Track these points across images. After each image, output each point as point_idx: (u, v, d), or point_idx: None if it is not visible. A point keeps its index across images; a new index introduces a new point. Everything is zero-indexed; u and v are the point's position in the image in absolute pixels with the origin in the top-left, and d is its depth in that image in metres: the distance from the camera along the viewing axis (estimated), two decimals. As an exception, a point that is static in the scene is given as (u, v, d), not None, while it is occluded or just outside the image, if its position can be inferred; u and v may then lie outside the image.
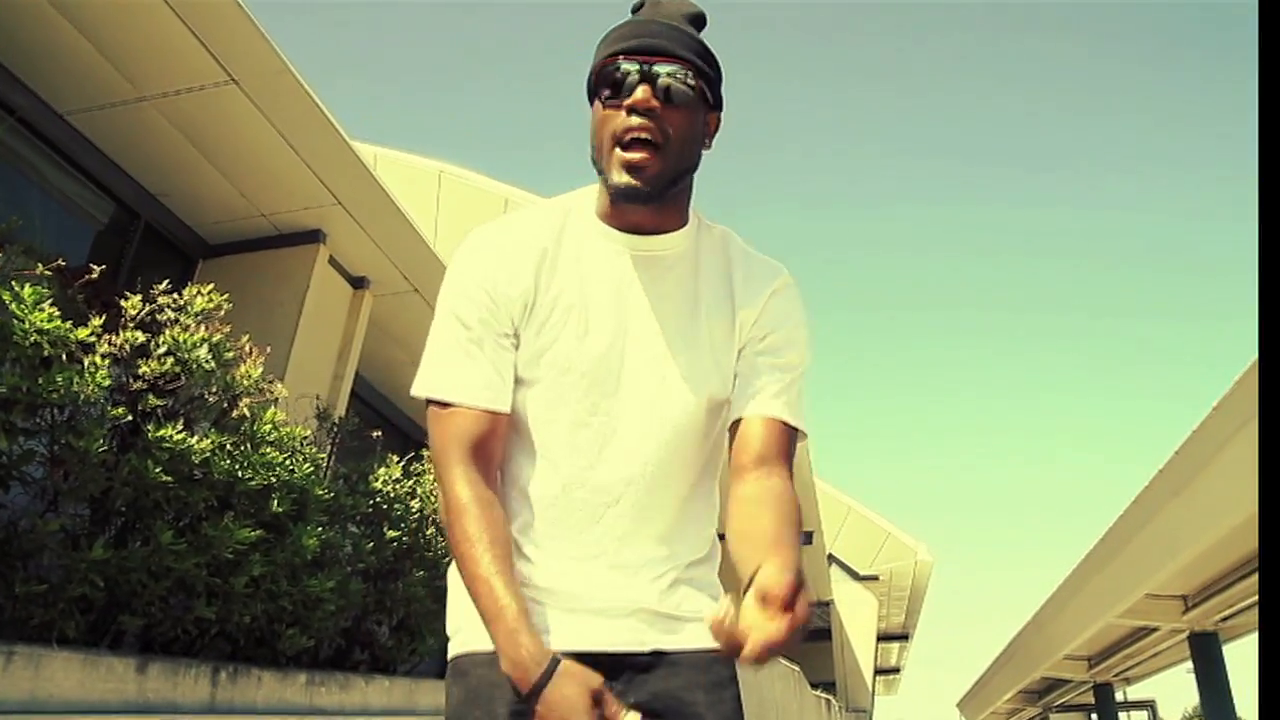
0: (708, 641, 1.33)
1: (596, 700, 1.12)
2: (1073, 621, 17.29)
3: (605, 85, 1.30)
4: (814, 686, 17.84)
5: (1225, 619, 14.12)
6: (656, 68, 1.28)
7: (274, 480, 3.81)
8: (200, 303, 3.69)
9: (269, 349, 4.22)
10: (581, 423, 1.34)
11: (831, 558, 23.42)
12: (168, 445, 3.24)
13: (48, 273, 3.16)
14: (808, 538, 16.81)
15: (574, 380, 1.33)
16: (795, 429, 1.38)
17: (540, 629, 1.28)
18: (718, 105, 1.38)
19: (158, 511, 3.30)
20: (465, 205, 11.64)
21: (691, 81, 1.29)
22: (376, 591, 4.92)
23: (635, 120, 1.26)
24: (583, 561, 1.33)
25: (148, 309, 3.56)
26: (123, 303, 3.51)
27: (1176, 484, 10.41)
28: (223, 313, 3.79)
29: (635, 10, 1.39)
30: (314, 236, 7.06)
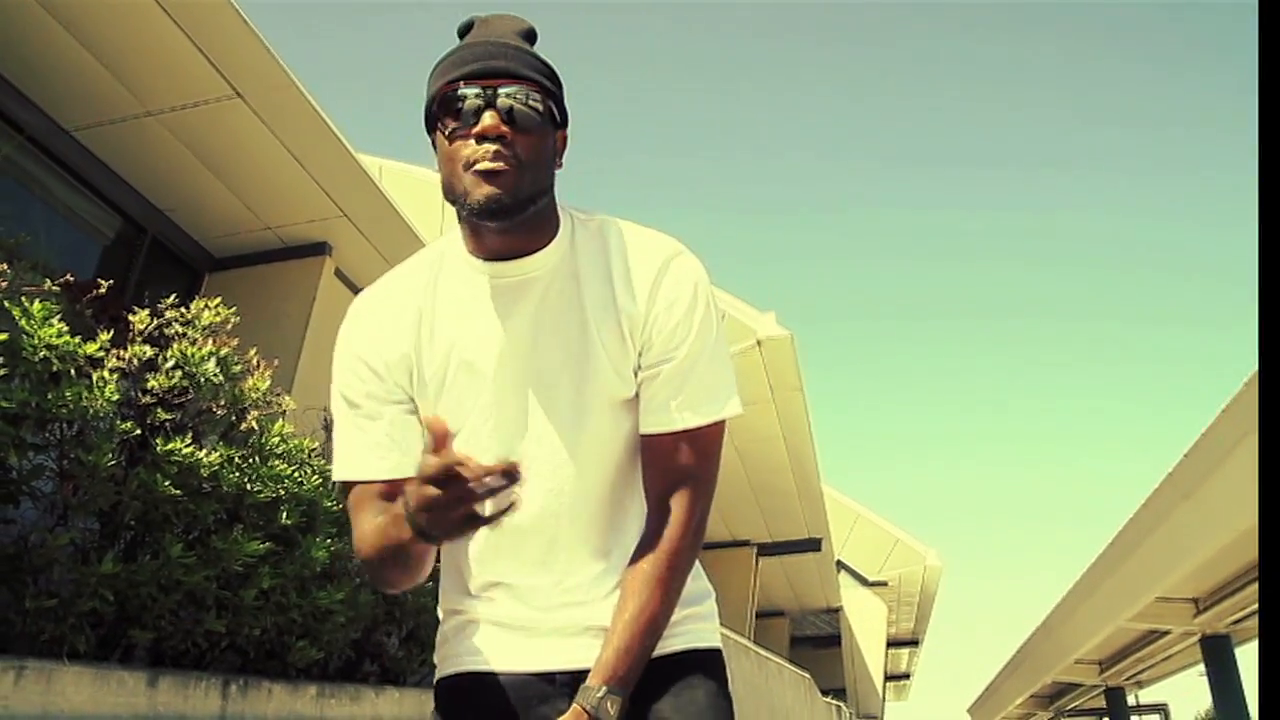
0: (669, 647, 1.34)
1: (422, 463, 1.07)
2: (1083, 625, 17.21)
3: (448, 114, 1.23)
4: (824, 693, 17.79)
5: (1237, 621, 14.05)
6: (501, 90, 1.21)
7: (283, 492, 3.81)
8: (208, 316, 3.70)
9: (276, 362, 4.23)
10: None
11: (840, 564, 23.34)
12: (176, 459, 3.24)
13: (56, 288, 3.18)
14: (816, 544, 16.76)
15: (483, 433, 1.31)
16: (712, 424, 1.33)
17: (504, 653, 1.34)
18: (564, 122, 1.31)
19: (167, 525, 3.31)
20: (470, 216, 11.62)
21: (538, 103, 1.24)
22: (386, 603, 4.91)
23: (485, 147, 1.20)
24: (529, 592, 1.35)
25: (155, 323, 3.56)
26: (130, 317, 3.51)
27: (1187, 487, 10.37)
28: (230, 326, 3.80)
29: (463, 33, 1.31)
30: (320, 249, 7.09)
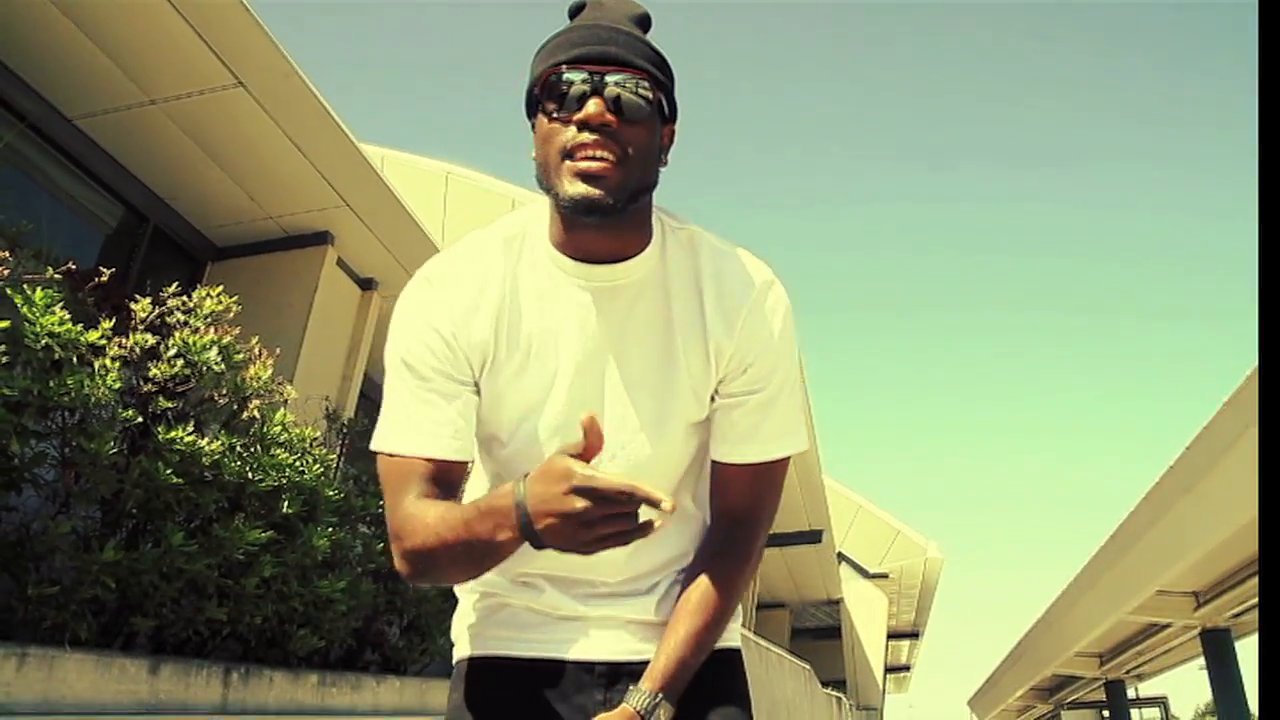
0: None
1: (574, 470, 1.01)
2: (1084, 618, 17.23)
3: (550, 98, 1.17)
4: (824, 685, 17.81)
5: (1237, 615, 14.06)
6: (609, 78, 1.14)
7: (284, 481, 3.82)
8: (209, 305, 3.70)
9: (278, 351, 4.24)
10: None
11: (841, 556, 23.37)
12: (178, 447, 3.25)
13: (58, 276, 3.18)
14: (817, 536, 16.78)
15: (545, 436, 1.26)
16: (781, 459, 1.32)
17: (543, 640, 1.32)
18: (674, 116, 1.24)
19: (169, 513, 3.31)
20: (473, 206, 11.64)
21: (648, 92, 1.17)
22: (387, 592, 4.93)
23: (587, 136, 1.13)
24: (573, 585, 1.34)
25: (157, 312, 3.57)
26: (132, 306, 3.52)
27: (1187, 480, 10.37)
28: (232, 315, 3.81)
29: (573, 14, 1.25)
30: (322, 238, 7.09)
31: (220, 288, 3.83)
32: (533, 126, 1.22)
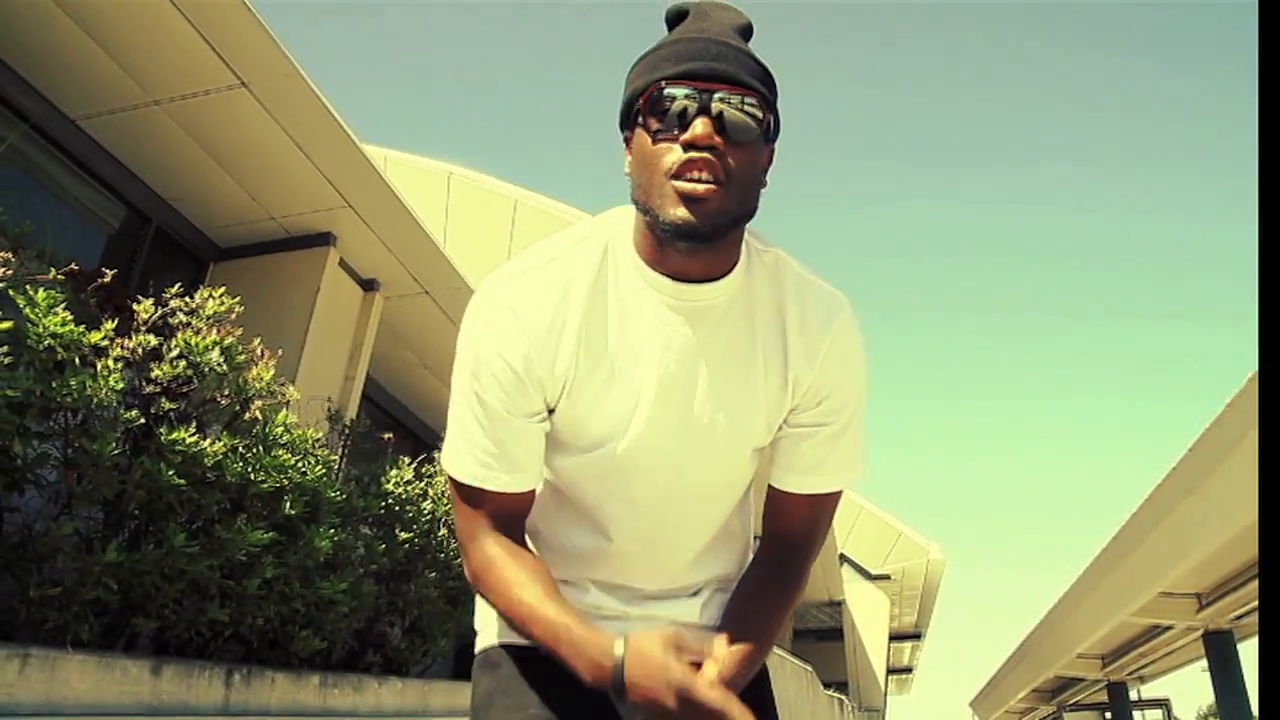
0: None
1: (678, 648, 1.09)
2: (1086, 620, 17.22)
3: (654, 114, 1.11)
4: (826, 686, 17.80)
5: (1240, 617, 14.05)
6: (717, 96, 1.08)
7: (286, 482, 3.82)
8: (212, 306, 3.70)
9: (280, 352, 4.24)
10: (625, 497, 1.28)
11: (843, 557, 23.37)
12: (180, 448, 3.25)
13: (61, 277, 3.18)
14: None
15: (621, 456, 1.24)
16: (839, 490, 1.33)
17: None
18: (777, 134, 1.18)
19: (171, 514, 3.31)
20: (475, 207, 11.65)
21: (757, 112, 1.11)
22: (389, 593, 4.93)
23: (694, 155, 1.07)
24: (624, 589, 1.34)
25: (160, 313, 3.57)
26: (135, 306, 3.52)
27: (1190, 482, 10.36)
28: (234, 316, 3.81)
29: (673, 21, 1.19)
30: (324, 239, 7.09)
31: (223, 288, 3.83)
32: (626, 140, 1.18)
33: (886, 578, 25.34)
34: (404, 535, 4.92)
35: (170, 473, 3.18)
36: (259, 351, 3.93)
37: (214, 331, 3.62)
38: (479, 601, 1.42)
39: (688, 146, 1.07)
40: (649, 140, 1.11)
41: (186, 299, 3.70)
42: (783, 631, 1.34)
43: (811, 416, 1.26)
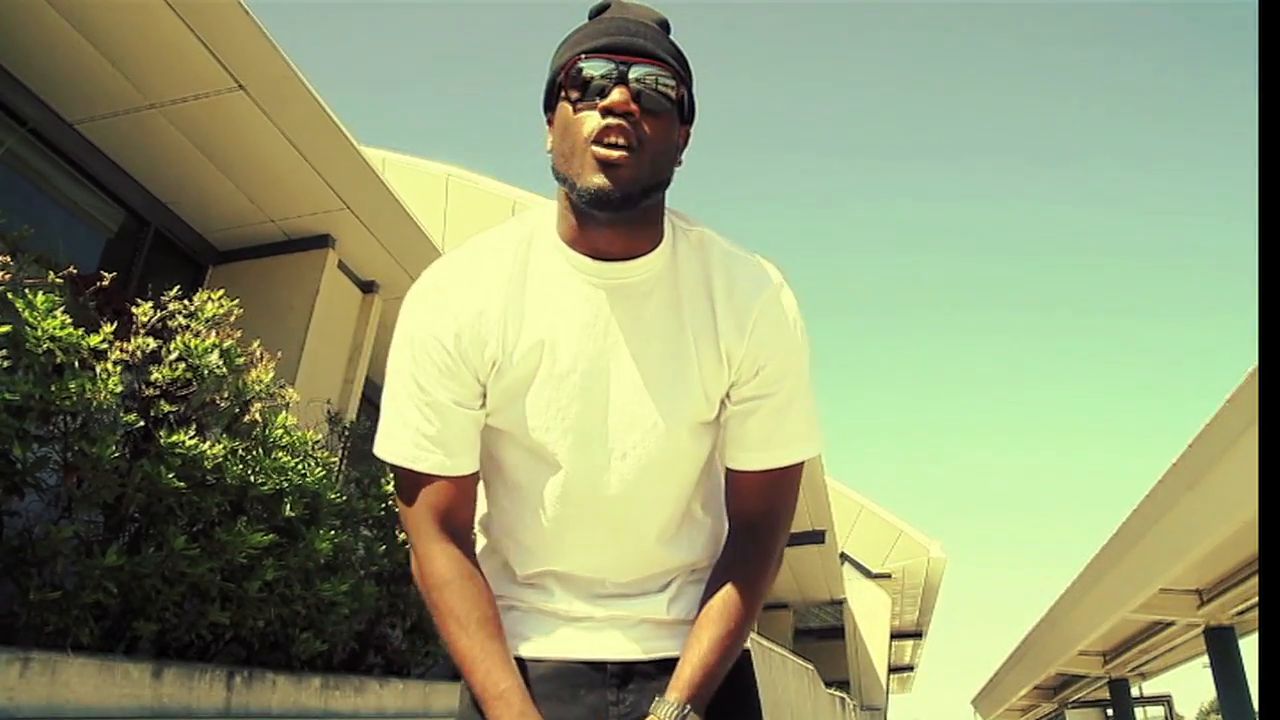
0: None
1: None
2: (1087, 617, 17.21)
3: (574, 86, 1.16)
4: (828, 685, 17.81)
5: (1241, 613, 14.04)
6: (634, 69, 1.15)
7: (286, 484, 3.82)
8: (211, 308, 3.70)
9: (280, 354, 4.24)
10: (571, 472, 1.28)
11: (844, 556, 23.37)
12: (180, 451, 3.24)
13: (59, 280, 3.18)
14: (820, 536, 16.78)
15: (556, 436, 1.26)
16: (797, 463, 1.32)
17: (553, 640, 1.32)
18: (691, 117, 1.25)
19: (171, 517, 3.31)
20: (473, 209, 11.64)
21: (670, 87, 1.17)
22: (389, 595, 4.92)
23: (611, 121, 1.13)
24: (585, 584, 1.33)
25: (159, 315, 3.57)
26: (134, 309, 3.52)
27: (1190, 478, 10.35)
28: (233, 318, 3.80)
29: (595, 14, 1.25)
30: (323, 241, 7.09)
31: (221, 291, 3.82)
32: (549, 121, 1.23)
33: (888, 576, 25.33)
34: (404, 537, 4.92)
35: (170, 475, 3.18)
36: (258, 354, 3.93)
37: (213, 334, 3.62)
38: None
39: (605, 113, 1.13)
40: (570, 110, 1.17)
41: (185, 302, 3.70)
42: (758, 612, 1.30)
43: (752, 389, 1.28)
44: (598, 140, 1.13)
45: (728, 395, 1.29)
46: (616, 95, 1.13)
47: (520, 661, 1.30)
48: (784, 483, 1.32)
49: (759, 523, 1.32)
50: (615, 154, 1.12)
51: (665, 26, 1.24)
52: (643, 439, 1.26)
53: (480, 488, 1.38)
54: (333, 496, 4.20)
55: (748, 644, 1.40)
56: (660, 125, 1.17)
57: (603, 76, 1.15)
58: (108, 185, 6.24)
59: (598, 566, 1.32)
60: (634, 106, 1.13)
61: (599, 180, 1.13)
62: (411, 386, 1.24)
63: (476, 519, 1.40)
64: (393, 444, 1.26)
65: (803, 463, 1.34)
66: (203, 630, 3.49)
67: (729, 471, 1.34)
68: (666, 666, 1.29)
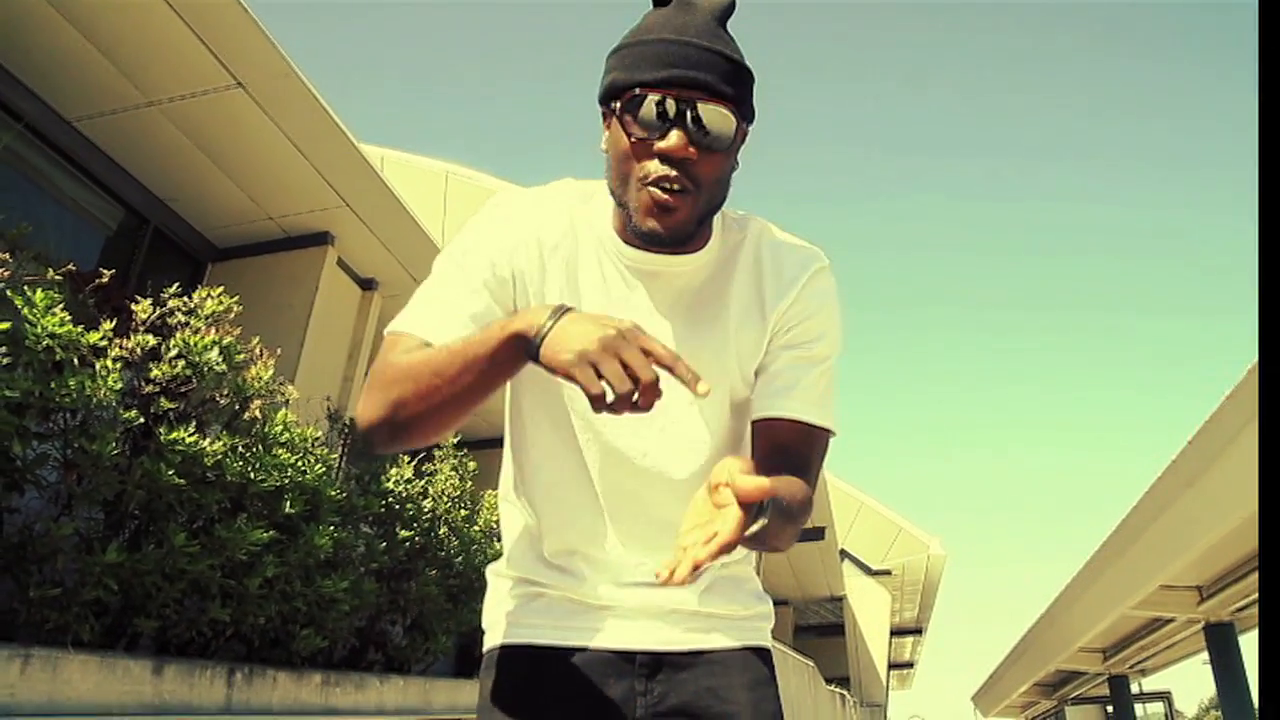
0: (746, 640, 1.34)
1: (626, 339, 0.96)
2: (1087, 614, 17.22)
3: (631, 116, 1.13)
4: (828, 681, 17.82)
5: (1241, 609, 14.04)
6: (692, 111, 1.12)
7: (286, 481, 3.82)
8: (210, 306, 3.70)
9: (279, 351, 4.24)
10: (608, 445, 1.27)
11: (844, 553, 23.36)
12: (180, 448, 3.25)
13: (58, 278, 3.18)
14: (820, 533, 16.78)
15: (584, 410, 1.24)
16: (824, 429, 1.27)
17: (581, 628, 1.30)
18: (751, 118, 1.20)
19: (171, 514, 3.31)
20: (473, 206, 11.61)
21: (731, 124, 1.14)
22: (390, 591, 4.93)
23: (666, 170, 1.12)
24: (614, 568, 1.31)
25: (158, 313, 3.57)
26: (133, 307, 3.52)
27: (1190, 474, 10.35)
28: (233, 315, 3.81)
29: (659, 2, 1.20)
30: (322, 239, 7.09)
31: (221, 288, 3.82)
32: (604, 120, 1.21)
33: (887, 573, 25.32)
34: (404, 533, 4.92)
35: (170, 472, 3.18)
36: (258, 351, 3.93)
37: (212, 331, 3.62)
38: (487, 600, 1.42)
39: (663, 159, 1.12)
40: (625, 140, 1.15)
41: (185, 299, 3.70)
42: (809, 510, 1.20)
43: (790, 338, 1.28)
44: (647, 183, 1.14)
45: (766, 350, 1.29)
46: (674, 140, 1.11)
47: (547, 650, 1.29)
48: (811, 446, 1.26)
49: (793, 469, 1.22)
50: (672, 199, 1.13)
51: (729, 12, 1.20)
52: (679, 415, 1.26)
53: (509, 454, 1.38)
54: (333, 493, 4.20)
55: (769, 643, 1.39)
56: (718, 161, 1.16)
57: (660, 116, 1.12)
58: (106, 182, 6.23)
59: (629, 547, 1.30)
60: (692, 150, 1.12)
61: (652, 224, 1.15)
62: (473, 267, 1.23)
63: (506, 487, 1.39)
64: (429, 322, 1.19)
65: (826, 438, 1.28)
66: (203, 627, 3.50)
67: (760, 426, 1.27)
68: (696, 658, 1.29)
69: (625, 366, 0.93)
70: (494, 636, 1.36)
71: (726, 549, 0.89)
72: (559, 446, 1.30)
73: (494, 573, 1.42)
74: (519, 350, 1.02)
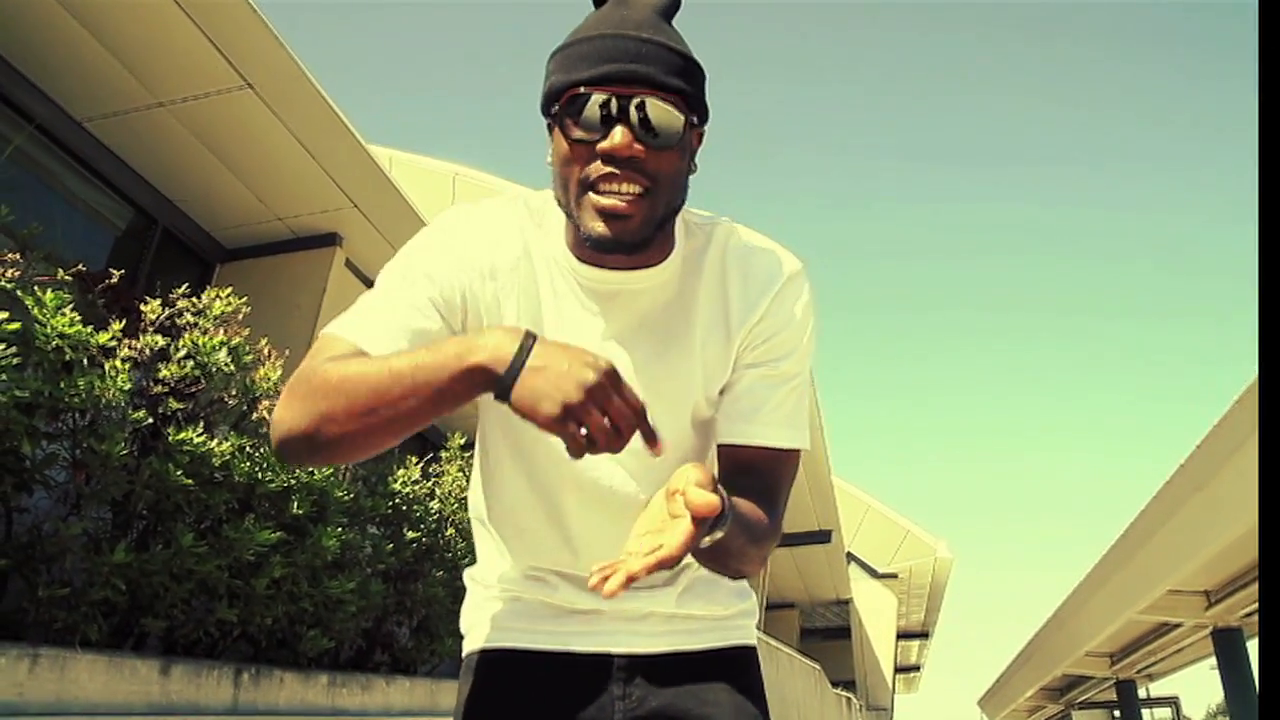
0: (728, 640, 1.33)
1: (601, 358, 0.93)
2: (1094, 618, 17.19)
3: (571, 118, 1.07)
4: (834, 685, 17.80)
5: (1248, 614, 14.01)
6: (636, 104, 1.05)
7: (294, 482, 3.82)
8: (219, 306, 3.71)
9: (288, 352, 4.24)
10: (573, 478, 1.23)
11: (850, 556, 23.32)
12: (188, 448, 3.25)
13: (68, 278, 3.19)
14: (826, 536, 16.76)
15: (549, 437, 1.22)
16: (792, 451, 1.23)
17: (559, 632, 1.29)
18: (704, 119, 1.13)
19: (179, 514, 3.32)
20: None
21: (679, 116, 1.07)
22: (396, 593, 4.93)
23: (611, 169, 1.05)
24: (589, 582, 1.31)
25: (167, 313, 3.58)
26: (142, 307, 3.53)
27: (1199, 479, 10.33)
28: (241, 316, 3.81)
29: (599, 2, 1.15)
30: (330, 240, 7.10)
31: (229, 289, 3.83)
32: (549, 129, 1.13)
33: (894, 576, 25.29)
34: (411, 535, 4.93)
35: (178, 473, 3.18)
36: (266, 351, 3.94)
37: (221, 332, 3.63)
38: (465, 604, 1.42)
39: (606, 159, 1.05)
40: (566, 144, 1.08)
41: (193, 299, 3.71)
42: (774, 540, 1.18)
43: (755, 355, 1.22)
44: (594, 187, 1.07)
45: (731, 368, 1.24)
46: (618, 137, 1.04)
47: (525, 654, 1.29)
48: (779, 469, 1.23)
49: (760, 495, 1.18)
50: (620, 204, 1.06)
51: (672, 9, 1.14)
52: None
53: (478, 473, 1.36)
54: (340, 494, 4.20)
55: (754, 642, 1.39)
56: (670, 158, 1.08)
57: (602, 112, 1.05)
58: (116, 183, 6.25)
59: (603, 561, 1.29)
60: (638, 147, 1.05)
61: (600, 229, 1.07)
62: (418, 280, 1.16)
63: (476, 504, 1.38)
64: (368, 331, 1.11)
65: (795, 458, 1.26)
66: (210, 627, 3.50)
67: (726, 451, 1.24)
68: (675, 660, 1.28)
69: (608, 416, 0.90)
70: (473, 641, 1.36)
71: (666, 564, 0.87)
72: (519, 474, 1.27)
73: (470, 578, 1.41)
74: (479, 385, 0.95)
